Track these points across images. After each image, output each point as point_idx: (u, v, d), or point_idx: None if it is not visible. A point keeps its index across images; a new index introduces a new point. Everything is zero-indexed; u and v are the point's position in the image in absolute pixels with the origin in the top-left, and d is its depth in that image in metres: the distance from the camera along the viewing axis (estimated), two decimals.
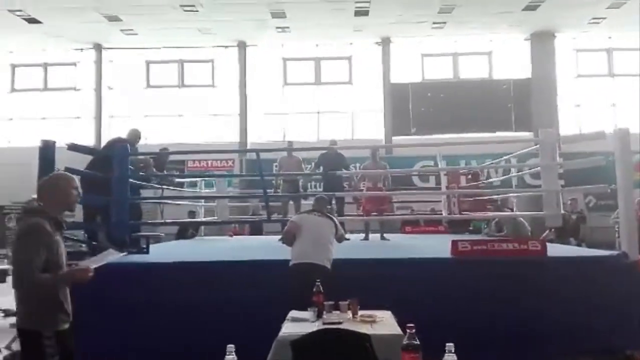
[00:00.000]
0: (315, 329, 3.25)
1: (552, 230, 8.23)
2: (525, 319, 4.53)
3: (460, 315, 4.47)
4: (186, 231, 10.70)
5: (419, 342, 2.04)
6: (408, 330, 2.07)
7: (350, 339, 2.71)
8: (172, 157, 13.04)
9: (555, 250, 5.53)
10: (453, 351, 1.98)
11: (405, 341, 2.05)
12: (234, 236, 10.44)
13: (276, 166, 9.02)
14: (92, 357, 4.40)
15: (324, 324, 3.43)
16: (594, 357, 4.32)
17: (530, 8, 14.28)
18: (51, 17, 14.34)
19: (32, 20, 14.56)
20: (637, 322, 4.62)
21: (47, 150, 4.89)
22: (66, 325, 2.78)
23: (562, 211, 6.42)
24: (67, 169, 5.11)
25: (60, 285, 2.75)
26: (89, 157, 6.34)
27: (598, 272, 4.75)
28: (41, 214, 2.75)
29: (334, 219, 4.99)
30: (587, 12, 14.71)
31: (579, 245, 9.17)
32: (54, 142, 4.94)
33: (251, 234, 11.29)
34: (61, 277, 2.74)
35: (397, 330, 3.19)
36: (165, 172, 7.99)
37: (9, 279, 8.27)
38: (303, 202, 8.21)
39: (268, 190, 7.94)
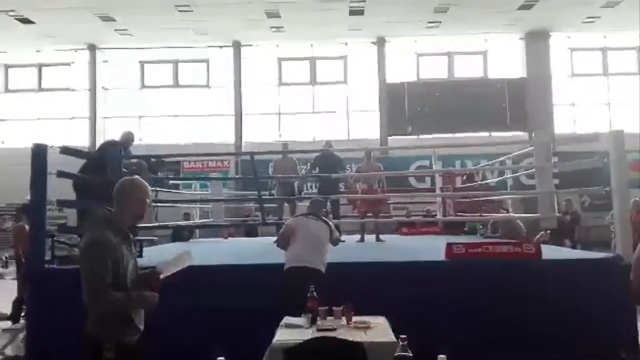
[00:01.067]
0: (309, 335, 3.23)
1: (548, 232, 8.24)
2: (520, 322, 4.52)
3: (455, 319, 4.47)
4: (181, 233, 10.65)
5: (411, 354, 2.03)
6: (400, 342, 2.05)
7: (343, 348, 2.69)
8: (167, 159, 13.08)
9: (550, 252, 5.52)
10: None
11: (397, 352, 2.04)
12: (229, 238, 10.41)
13: (272, 167, 9.01)
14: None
15: (318, 330, 3.42)
16: (587, 359, 4.32)
17: (525, 7, 14.30)
18: (44, 17, 14.27)
19: (25, 21, 14.49)
20: (631, 325, 4.63)
21: (39, 155, 4.83)
22: (133, 338, 2.69)
23: (557, 213, 6.41)
24: (60, 173, 5.12)
25: (133, 307, 2.66)
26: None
27: (593, 275, 4.75)
28: (107, 224, 2.62)
29: (329, 222, 4.98)
30: (582, 11, 14.74)
31: (573, 246, 9.19)
32: (46, 146, 4.89)
33: (246, 235, 11.27)
34: (135, 302, 2.63)
35: (391, 337, 3.18)
36: (159, 174, 7.96)
37: (3, 283, 8.24)
38: (298, 204, 8.20)
39: (263, 192, 7.93)
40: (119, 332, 2.62)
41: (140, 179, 2.85)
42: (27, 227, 7.07)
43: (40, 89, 17.59)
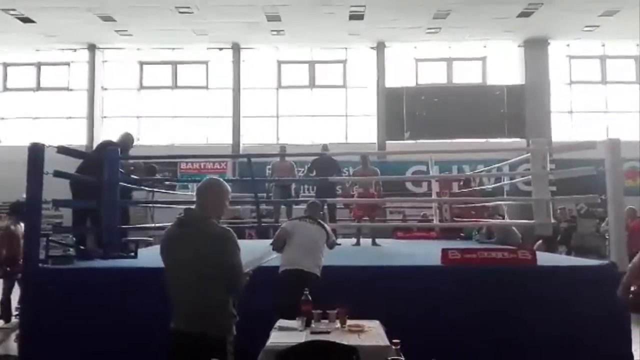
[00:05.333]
0: (303, 338, 3.24)
1: (543, 241, 8.25)
2: (515, 329, 4.53)
3: (450, 324, 4.47)
4: None
5: (404, 359, 2.03)
6: (393, 347, 2.06)
7: (337, 352, 2.69)
8: (164, 160, 13.07)
9: (545, 259, 5.54)
10: None
11: (390, 357, 2.04)
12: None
13: (269, 169, 9.02)
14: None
15: (312, 333, 3.42)
16: None
17: (524, 15, 14.34)
18: (45, 16, 14.25)
19: (25, 20, 14.47)
20: (625, 333, 4.63)
21: (35, 154, 4.82)
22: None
23: (553, 220, 6.42)
24: (56, 173, 5.11)
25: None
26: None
27: (587, 282, 4.75)
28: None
29: (325, 225, 4.98)
30: (580, 20, 14.79)
31: (569, 253, 9.20)
32: (43, 146, 4.88)
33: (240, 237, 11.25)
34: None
35: (385, 341, 3.18)
36: (157, 176, 7.96)
37: None
38: (295, 207, 8.20)
39: (261, 195, 7.93)
40: (233, 324, 2.82)
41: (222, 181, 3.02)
42: (12, 227, 6.97)
43: (39, 88, 17.56)
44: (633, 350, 4.65)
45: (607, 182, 5.04)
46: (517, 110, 16.27)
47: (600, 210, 11.33)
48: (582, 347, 4.44)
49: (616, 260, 4.87)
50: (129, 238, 6.24)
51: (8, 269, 6.85)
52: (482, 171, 10.17)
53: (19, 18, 14.33)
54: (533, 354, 4.45)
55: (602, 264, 5.07)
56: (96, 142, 14.38)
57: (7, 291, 7.17)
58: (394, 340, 2.08)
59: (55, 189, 5.51)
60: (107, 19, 14.52)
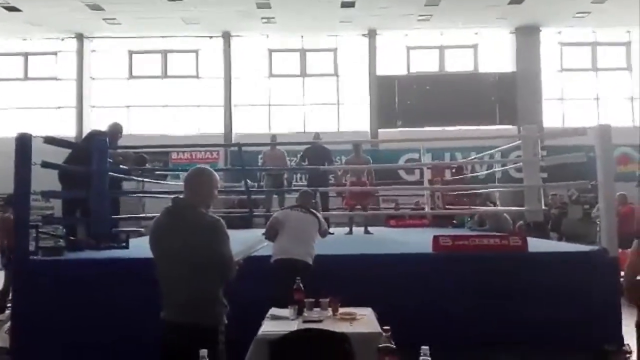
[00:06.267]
0: (295, 326, 3.23)
1: (522, 222, 8.30)
2: (506, 315, 4.55)
3: (441, 310, 4.49)
4: None
5: (395, 346, 2.02)
6: (384, 333, 2.05)
7: (329, 340, 2.69)
8: (155, 149, 13.00)
9: (536, 245, 5.56)
10: (428, 354, 1.96)
11: (381, 344, 2.04)
12: None
13: (261, 158, 8.99)
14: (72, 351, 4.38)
15: (304, 321, 3.42)
16: (572, 352, 4.36)
17: (515, 2, 14.33)
18: (31, 5, 14.04)
19: (11, 9, 14.24)
20: (615, 317, 4.67)
21: (23, 143, 4.75)
22: None
23: (544, 206, 6.44)
24: (44, 163, 5.04)
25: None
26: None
27: (578, 268, 4.78)
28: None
29: (318, 214, 4.97)
30: (572, 6, 14.79)
31: (560, 239, 9.26)
32: (31, 136, 4.81)
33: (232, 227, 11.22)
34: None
35: (377, 328, 3.18)
36: (147, 165, 7.90)
37: None
38: (287, 196, 8.19)
39: (252, 184, 7.91)
40: (224, 314, 2.81)
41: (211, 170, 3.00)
42: (12, 216, 6.95)
43: (27, 77, 17.34)
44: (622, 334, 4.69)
45: (598, 168, 5.05)
46: (508, 97, 16.31)
47: (589, 196, 11.39)
48: (573, 332, 4.47)
49: (607, 245, 4.90)
50: (120, 228, 6.20)
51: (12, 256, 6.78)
52: (474, 158, 10.17)
53: (4, 7, 14.11)
54: (524, 339, 4.47)
55: (593, 249, 5.09)
56: (86, 132, 14.25)
57: (8, 282, 7.13)
58: (385, 327, 2.08)
59: (46, 179, 5.46)
60: (95, 7, 14.33)
